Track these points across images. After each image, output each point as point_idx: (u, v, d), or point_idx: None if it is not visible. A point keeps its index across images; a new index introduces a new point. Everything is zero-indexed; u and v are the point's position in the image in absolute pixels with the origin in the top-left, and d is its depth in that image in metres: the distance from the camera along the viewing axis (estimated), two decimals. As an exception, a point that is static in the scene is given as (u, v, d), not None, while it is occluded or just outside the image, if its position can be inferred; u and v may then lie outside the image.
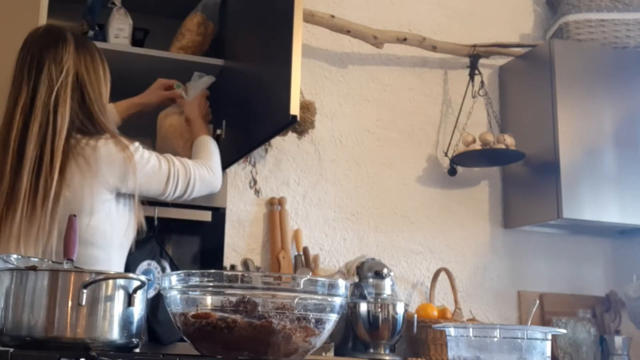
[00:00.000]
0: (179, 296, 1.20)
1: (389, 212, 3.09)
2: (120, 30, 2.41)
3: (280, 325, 1.13)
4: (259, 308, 1.13)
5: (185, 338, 1.22)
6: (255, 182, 2.89)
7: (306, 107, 2.76)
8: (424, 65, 3.28)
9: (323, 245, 2.97)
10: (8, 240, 1.66)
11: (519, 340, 1.25)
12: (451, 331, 1.32)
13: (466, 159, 3.07)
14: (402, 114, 3.20)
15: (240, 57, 2.35)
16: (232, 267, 2.74)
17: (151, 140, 2.41)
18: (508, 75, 3.34)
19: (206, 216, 2.40)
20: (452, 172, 3.12)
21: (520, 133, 3.08)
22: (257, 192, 2.89)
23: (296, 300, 1.14)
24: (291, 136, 2.87)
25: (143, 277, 1.26)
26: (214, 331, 1.15)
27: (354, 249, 3.00)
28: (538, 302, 2.23)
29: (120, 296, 1.23)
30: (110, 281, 1.22)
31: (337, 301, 1.20)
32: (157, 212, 2.28)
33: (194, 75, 2.37)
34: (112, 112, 2.18)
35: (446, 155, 3.14)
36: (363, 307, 2.66)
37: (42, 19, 2.13)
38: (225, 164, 2.35)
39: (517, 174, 3.18)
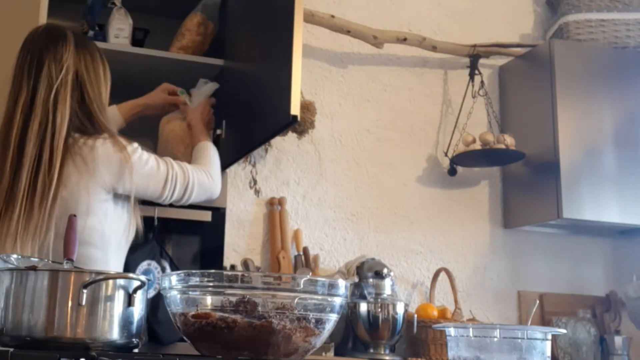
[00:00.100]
0: (179, 296, 1.20)
1: (389, 212, 3.09)
2: (120, 30, 2.41)
3: (280, 325, 1.13)
4: (259, 308, 1.13)
5: (185, 338, 1.22)
6: (255, 182, 2.89)
7: (306, 107, 2.76)
8: (424, 65, 3.28)
9: (323, 245, 2.97)
10: (5, 237, 1.66)
11: (519, 340, 1.25)
12: (451, 331, 1.32)
13: (466, 159, 3.07)
14: (402, 114, 3.20)
15: (240, 57, 2.35)
16: (232, 267, 2.74)
17: (152, 142, 2.41)
18: (508, 75, 3.34)
19: (206, 216, 2.40)
20: (452, 172, 3.12)
21: (520, 133, 3.08)
22: (257, 192, 2.89)
23: (296, 300, 1.14)
24: (291, 136, 2.87)
25: (143, 277, 1.26)
26: (214, 331, 1.15)
27: (354, 249, 3.00)
28: (538, 302, 2.23)
29: (120, 296, 1.23)
30: (110, 281, 1.22)
31: (337, 301, 1.20)
32: (157, 212, 2.28)
33: (199, 82, 2.36)
34: (115, 115, 2.18)
35: (446, 155, 3.14)
36: (363, 307, 2.66)
37: (42, 19, 2.13)
38: (225, 164, 2.35)
39: (517, 174, 3.18)
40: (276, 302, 1.14)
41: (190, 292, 1.18)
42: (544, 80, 3.05)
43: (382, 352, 2.68)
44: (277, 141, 2.93)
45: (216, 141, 2.33)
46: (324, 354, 2.54)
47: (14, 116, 1.76)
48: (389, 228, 3.08)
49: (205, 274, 1.17)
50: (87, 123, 1.82)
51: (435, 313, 2.83)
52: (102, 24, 2.44)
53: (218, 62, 2.46)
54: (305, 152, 3.02)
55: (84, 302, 1.18)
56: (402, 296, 2.98)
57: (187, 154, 2.20)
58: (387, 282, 2.71)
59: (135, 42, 2.50)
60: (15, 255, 1.30)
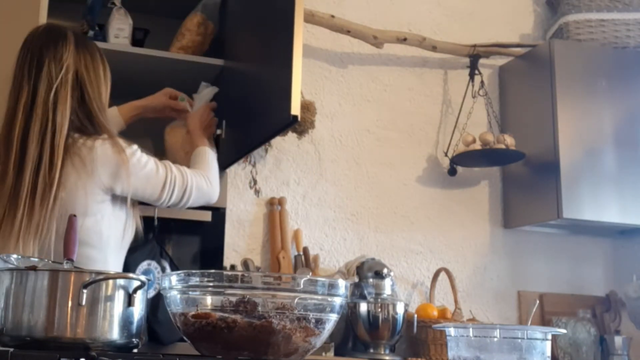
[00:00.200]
0: (179, 296, 1.20)
1: (389, 212, 3.09)
2: (120, 30, 2.41)
3: (280, 325, 1.13)
4: (259, 308, 1.13)
5: (185, 338, 1.22)
6: (255, 182, 2.89)
7: (306, 107, 2.76)
8: (424, 65, 3.28)
9: (323, 245, 2.97)
10: (9, 237, 1.67)
11: (519, 340, 1.25)
12: (451, 331, 1.32)
13: (466, 159, 3.07)
14: (402, 114, 3.20)
15: (240, 57, 2.35)
16: (232, 267, 2.74)
17: (152, 143, 2.42)
18: (508, 75, 3.34)
19: (206, 216, 2.40)
20: (452, 172, 3.12)
21: (520, 133, 3.08)
22: (257, 192, 2.88)
23: (296, 300, 1.14)
24: (291, 136, 2.87)
25: (143, 277, 1.26)
26: (214, 331, 1.15)
27: (354, 249, 3.00)
28: (538, 302, 2.23)
29: (120, 296, 1.23)
30: (110, 281, 1.22)
31: (337, 301, 1.20)
32: (157, 212, 2.27)
33: (200, 86, 2.36)
34: (115, 116, 2.17)
35: (446, 155, 3.14)
36: (363, 307, 2.66)
37: (42, 19, 2.13)
38: (225, 164, 2.35)
39: (517, 174, 3.18)
40: (276, 302, 1.14)
41: (190, 292, 1.18)
42: (544, 80, 3.05)
43: (382, 352, 2.68)
44: (277, 141, 2.93)
45: (216, 141, 2.33)
46: (324, 354, 2.54)
47: (16, 116, 1.76)
48: (389, 228, 3.08)
49: (205, 274, 1.17)
50: (87, 123, 1.82)
51: (435, 313, 2.83)
52: (102, 24, 2.43)
53: (218, 62, 2.46)
54: (305, 152, 3.02)
55: (84, 302, 1.18)
56: (402, 296, 2.98)
57: (187, 160, 2.19)
58: (387, 282, 2.71)
59: (135, 42, 2.49)
60: (15, 255, 1.30)
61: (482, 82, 3.19)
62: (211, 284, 1.16)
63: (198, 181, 1.98)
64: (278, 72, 1.91)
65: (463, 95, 3.19)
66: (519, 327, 1.28)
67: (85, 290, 1.18)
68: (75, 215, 1.44)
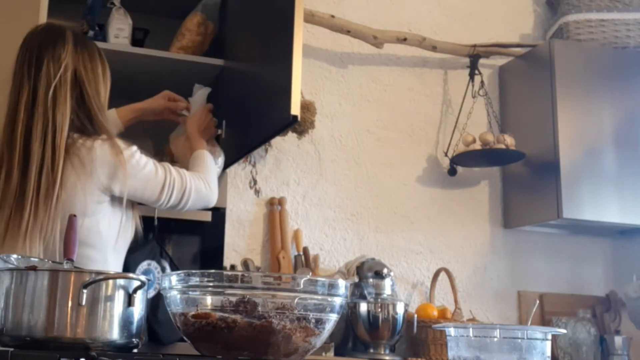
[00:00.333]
0: (179, 296, 1.20)
1: (389, 212, 3.09)
2: (120, 30, 2.41)
3: (280, 325, 1.13)
4: (259, 308, 1.13)
5: (185, 338, 1.22)
6: (255, 182, 2.89)
7: (306, 107, 2.76)
8: (424, 65, 3.28)
9: (323, 245, 2.97)
10: (17, 236, 1.67)
11: (519, 340, 1.25)
12: (451, 331, 1.32)
13: (466, 159, 3.07)
14: (402, 114, 3.20)
15: (240, 57, 2.35)
16: (232, 267, 2.74)
17: (153, 144, 2.41)
18: (508, 75, 3.34)
19: (206, 216, 2.40)
20: (452, 172, 3.12)
21: (520, 133, 3.08)
22: (257, 192, 2.88)
23: (296, 300, 1.14)
24: (291, 136, 2.87)
25: (143, 277, 1.26)
26: (214, 331, 1.15)
27: (354, 249, 3.00)
28: (538, 302, 2.23)
29: (120, 296, 1.23)
30: (110, 281, 1.22)
31: (337, 301, 1.20)
32: (157, 212, 2.27)
33: (194, 88, 2.35)
34: (114, 118, 2.17)
35: (446, 155, 3.14)
36: (363, 307, 2.66)
37: (42, 19, 2.13)
38: (226, 164, 2.35)
39: (517, 174, 3.18)
40: (276, 302, 1.14)
41: (190, 292, 1.18)
42: (544, 80, 3.05)
43: (382, 352, 2.68)
44: (277, 141, 2.93)
45: (217, 141, 2.33)
46: (324, 354, 2.54)
47: (17, 114, 1.76)
48: (389, 228, 3.07)
49: (205, 274, 1.17)
50: (87, 123, 1.82)
51: (435, 313, 2.83)
52: (102, 24, 2.43)
53: (218, 62, 2.46)
54: (305, 152, 3.02)
55: (84, 302, 1.18)
56: (402, 296, 2.98)
57: (186, 165, 2.19)
58: (387, 282, 2.71)
59: (135, 42, 2.49)
60: (15, 255, 1.30)
61: (482, 82, 3.19)
62: (211, 284, 1.16)
63: (197, 184, 1.98)
64: (278, 72, 1.91)
65: (463, 95, 3.19)
66: (519, 327, 1.28)
67: (85, 290, 1.18)
68: (75, 215, 1.44)
